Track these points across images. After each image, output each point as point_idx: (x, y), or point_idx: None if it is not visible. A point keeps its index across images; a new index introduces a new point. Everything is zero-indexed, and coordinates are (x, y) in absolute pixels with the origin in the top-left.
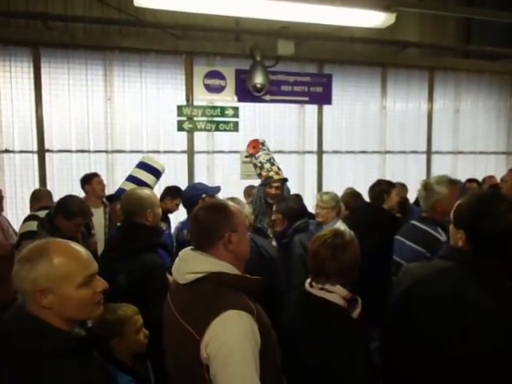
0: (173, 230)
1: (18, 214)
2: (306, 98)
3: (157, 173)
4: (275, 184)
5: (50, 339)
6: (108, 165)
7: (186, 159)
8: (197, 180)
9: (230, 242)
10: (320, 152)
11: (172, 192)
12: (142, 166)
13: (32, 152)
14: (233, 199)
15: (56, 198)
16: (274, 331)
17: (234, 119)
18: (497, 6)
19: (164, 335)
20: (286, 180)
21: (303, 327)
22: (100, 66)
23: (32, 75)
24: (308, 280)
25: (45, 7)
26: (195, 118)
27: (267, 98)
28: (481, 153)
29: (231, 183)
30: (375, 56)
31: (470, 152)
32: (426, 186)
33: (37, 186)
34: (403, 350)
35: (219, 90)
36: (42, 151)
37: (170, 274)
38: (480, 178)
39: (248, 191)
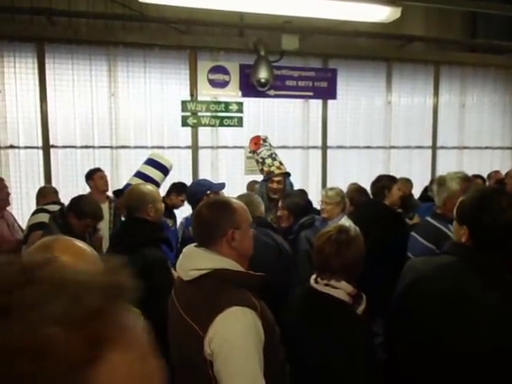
0: (178, 225)
1: (23, 209)
2: (311, 93)
3: (164, 169)
4: (276, 178)
5: None
6: (112, 160)
7: (190, 154)
8: (201, 175)
9: (234, 239)
10: (324, 147)
11: (177, 188)
12: (150, 162)
13: (37, 148)
14: (248, 195)
15: (61, 193)
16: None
17: (239, 114)
18: (502, 0)
19: (169, 330)
20: (288, 174)
21: (305, 324)
22: (104, 61)
23: (36, 71)
24: (313, 276)
25: (49, 3)
26: (199, 114)
27: (271, 92)
28: (486, 148)
29: (235, 178)
30: (380, 50)
31: (476, 147)
32: (439, 182)
33: (42, 182)
34: (404, 345)
35: (223, 85)
36: (46, 147)
37: (175, 269)
38: (485, 174)
39: (251, 186)
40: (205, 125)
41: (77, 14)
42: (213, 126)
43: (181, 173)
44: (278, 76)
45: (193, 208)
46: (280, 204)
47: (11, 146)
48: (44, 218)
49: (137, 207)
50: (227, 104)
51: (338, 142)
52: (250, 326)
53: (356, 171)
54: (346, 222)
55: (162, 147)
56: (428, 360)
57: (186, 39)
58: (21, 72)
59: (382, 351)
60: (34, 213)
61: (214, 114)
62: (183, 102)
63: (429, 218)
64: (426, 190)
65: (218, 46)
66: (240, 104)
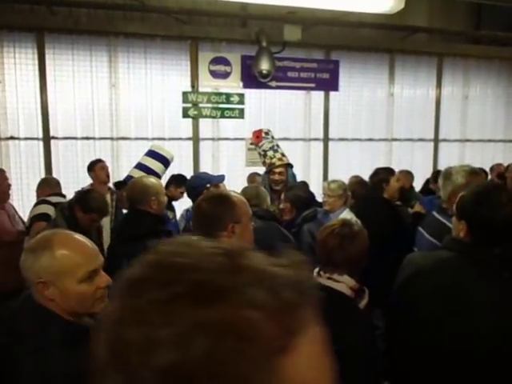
0: (178, 216)
1: (23, 200)
2: (313, 85)
3: (165, 161)
4: (278, 170)
5: (51, 328)
6: (113, 152)
7: (191, 146)
8: (202, 167)
9: (233, 233)
10: (326, 139)
11: (177, 180)
12: (151, 153)
13: (37, 139)
14: (255, 187)
15: (62, 185)
16: None
17: (240, 106)
18: None
19: None
20: (290, 166)
21: None
22: (104, 51)
23: (36, 61)
24: (316, 269)
25: None
26: (200, 105)
27: (273, 84)
28: (489, 141)
29: (236, 170)
30: (383, 42)
31: (478, 140)
32: (445, 175)
33: (42, 173)
34: (401, 338)
35: (225, 76)
36: (47, 138)
37: None
38: (487, 167)
39: (251, 178)
40: (206, 116)
41: (77, 4)
42: (214, 117)
43: (181, 164)
44: (280, 67)
45: (193, 202)
46: (282, 197)
47: (11, 138)
48: (46, 209)
49: (139, 199)
50: (228, 95)
51: (340, 134)
52: None
53: (358, 164)
54: (347, 214)
55: (163, 139)
56: (423, 354)
57: (188, 29)
58: (21, 62)
59: (381, 341)
60: (36, 204)
61: (215, 105)
62: (184, 93)
63: (435, 213)
64: (428, 182)
65: (219, 37)
66: (241, 95)
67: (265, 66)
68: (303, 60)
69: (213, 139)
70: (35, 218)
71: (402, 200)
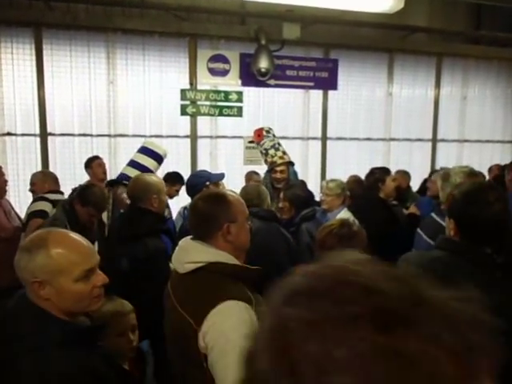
0: (174, 214)
1: (20, 196)
2: (311, 83)
3: (158, 158)
4: (279, 168)
5: (47, 328)
6: (110, 149)
7: (188, 144)
8: (199, 165)
9: (229, 232)
10: (324, 138)
11: (172, 178)
12: (144, 150)
13: (34, 135)
14: (256, 186)
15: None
16: None
17: (238, 104)
18: None
19: (164, 322)
20: (291, 164)
21: None
22: (102, 48)
23: (34, 57)
24: None
25: None
26: (199, 102)
27: (272, 82)
28: (487, 141)
29: (234, 168)
30: (382, 41)
31: (476, 140)
32: (444, 176)
33: (39, 170)
34: None
35: (223, 73)
36: (44, 134)
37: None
38: (485, 167)
39: (249, 177)
40: (204, 114)
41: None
42: (212, 115)
43: (179, 162)
44: (279, 65)
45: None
46: (281, 195)
47: (8, 133)
48: (44, 206)
49: (141, 197)
50: (227, 93)
51: (338, 133)
52: (245, 319)
53: (356, 163)
54: (345, 214)
55: (161, 136)
56: None
57: (186, 26)
58: (18, 58)
59: None
60: (34, 201)
61: (213, 103)
62: (182, 91)
63: (433, 215)
64: (426, 182)
65: (218, 34)
66: (240, 93)
67: (263, 64)
68: (302, 58)
69: (211, 137)
70: (32, 214)
71: (399, 200)
